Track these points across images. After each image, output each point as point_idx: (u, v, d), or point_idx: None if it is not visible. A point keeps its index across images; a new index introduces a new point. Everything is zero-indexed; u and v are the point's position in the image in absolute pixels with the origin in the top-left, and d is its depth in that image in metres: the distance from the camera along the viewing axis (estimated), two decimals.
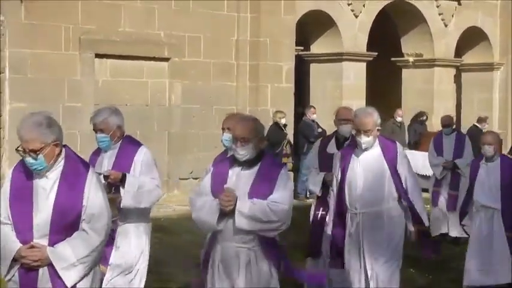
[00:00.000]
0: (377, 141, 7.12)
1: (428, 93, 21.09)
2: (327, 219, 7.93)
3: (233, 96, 17.35)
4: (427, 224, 7.27)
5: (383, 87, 22.21)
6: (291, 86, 17.86)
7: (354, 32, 19.40)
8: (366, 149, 7.08)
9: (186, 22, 16.52)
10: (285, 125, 16.84)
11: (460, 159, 12.43)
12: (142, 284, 6.95)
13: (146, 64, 16.18)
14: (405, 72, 21.46)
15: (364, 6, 19.41)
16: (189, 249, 10.17)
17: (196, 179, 15.93)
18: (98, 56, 15.49)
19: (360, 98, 19.58)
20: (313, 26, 19.38)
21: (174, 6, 16.41)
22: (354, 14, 19.30)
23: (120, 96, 15.73)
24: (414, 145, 19.53)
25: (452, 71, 21.92)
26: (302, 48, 19.17)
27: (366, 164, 7.09)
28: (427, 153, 13.43)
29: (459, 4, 21.45)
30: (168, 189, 15.99)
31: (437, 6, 20.99)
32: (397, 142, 7.35)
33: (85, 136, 15.18)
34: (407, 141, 19.66)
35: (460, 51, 22.35)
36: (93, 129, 6.96)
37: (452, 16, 21.28)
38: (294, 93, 17.97)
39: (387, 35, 21.05)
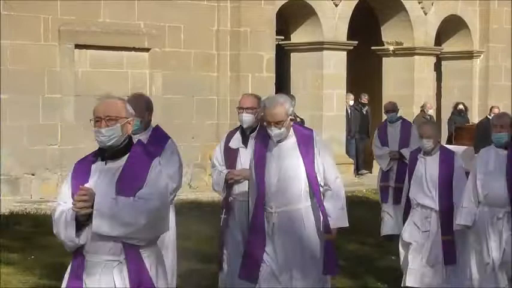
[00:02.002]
0: (292, 131, 6.38)
1: (408, 82, 21.14)
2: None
3: (214, 86, 17.34)
4: (344, 224, 6.44)
5: (363, 76, 22.25)
6: (271, 75, 17.87)
7: (334, 21, 19.40)
8: (279, 142, 6.33)
9: (166, 12, 16.48)
10: None
11: (406, 149, 11.34)
12: None
13: (126, 55, 16.13)
14: (385, 61, 21.50)
15: None
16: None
17: None
18: (77, 46, 15.43)
19: (341, 87, 19.63)
20: (293, 15, 19.37)
21: None
22: (334, 3, 19.30)
23: (100, 87, 15.65)
24: (449, 139, 19.19)
25: (433, 59, 21.97)
26: (282, 37, 19.17)
27: (280, 158, 6.34)
28: (460, 147, 12.59)
29: None
30: None
31: None
32: (314, 130, 6.61)
33: (66, 127, 15.14)
34: (447, 135, 19.45)
35: (440, 39, 22.42)
36: None
37: (432, 4, 21.32)
38: (274, 82, 17.99)
39: (367, 24, 21.07)
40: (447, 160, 8.03)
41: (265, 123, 6.40)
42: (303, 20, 19.41)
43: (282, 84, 19.47)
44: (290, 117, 6.32)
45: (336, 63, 19.47)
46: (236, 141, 7.33)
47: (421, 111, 19.41)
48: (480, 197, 7.39)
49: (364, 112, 20.85)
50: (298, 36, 19.62)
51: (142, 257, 4.61)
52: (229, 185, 7.19)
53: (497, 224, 7.40)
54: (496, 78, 22.60)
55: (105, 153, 4.66)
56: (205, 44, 17.14)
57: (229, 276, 7.22)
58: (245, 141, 7.23)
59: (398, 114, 12.48)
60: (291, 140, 6.37)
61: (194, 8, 16.89)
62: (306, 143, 6.36)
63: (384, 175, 11.90)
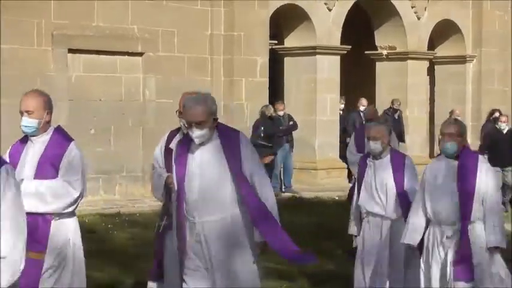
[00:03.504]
0: (216, 132, 5.79)
1: (402, 86, 21.18)
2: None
3: (207, 90, 17.33)
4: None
5: (357, 80, 22.29)
6: (265, 80, 17.88)
7: (327, 25, 19.43)
8: (201, 144, 5.73)
9: (159, 16, 16.48)
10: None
11: None
12: None
13: (120, 59, 16.12)
14: (379, 65, 21.54)
15: None
16: None
17: None
18: (70, 51, 15.41)
19: (334, 92, 19.66)
20: (286, 19, 19.39)
21: (147, 0, 16.35)
22: (328, 8, 19.33)
23: (94, 92, 15.67)
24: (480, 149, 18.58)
25: (426, 64, 22.02)
26: (276, 42, 19.19)
27: (203, 162, 5.74)
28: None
29: None
30: (143, 185, 15.95)
31: None
32: (240, 131, 6.02)
33: None
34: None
35: (433, 43, 22.47)
36: None
37: (425, 9, 21.37)
38: (268, 87, 18.00)
39: (361, 28, 21.11)
40: (398, 164, 7.42)
41: (185, 124, 5.87)
42: (296, 24, 19.43)
43: (276, 88, 19.48)
44: (214, 117, 5.74)
45: (329, 68, 19.50)
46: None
47: (449, 117, 19.25)
48: (428, 214, 6.57)
49: (396, 117, 20.41)
50: (291, 41, 19.64)
51: None
52: (169, 189, 6.44)
53: (446, 244, 6.52)
54: (488, 82, 22.64)
55: None
56: (199, 48, 17.14)
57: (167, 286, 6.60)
58: None
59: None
60: (215, 142, 5.78)
61: (187, 12, 16.89)
62: (232, 145, 5.78)
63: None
